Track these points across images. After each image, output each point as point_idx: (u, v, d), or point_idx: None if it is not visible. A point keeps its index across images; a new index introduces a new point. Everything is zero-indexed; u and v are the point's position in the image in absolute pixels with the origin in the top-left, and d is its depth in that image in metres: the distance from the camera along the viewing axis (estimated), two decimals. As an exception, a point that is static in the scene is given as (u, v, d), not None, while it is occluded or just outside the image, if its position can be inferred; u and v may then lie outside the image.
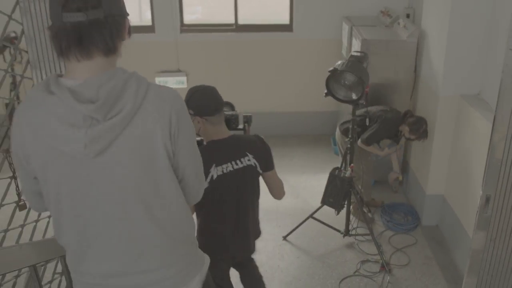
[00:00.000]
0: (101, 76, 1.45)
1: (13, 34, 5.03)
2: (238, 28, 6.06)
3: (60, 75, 1.49)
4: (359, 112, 4.04)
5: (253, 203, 2.74)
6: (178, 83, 6.11)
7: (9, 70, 2.46)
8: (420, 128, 4.21)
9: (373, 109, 4.37)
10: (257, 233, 2.92)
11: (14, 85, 5.51)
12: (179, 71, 6.10)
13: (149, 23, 6.12)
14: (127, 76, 1.49)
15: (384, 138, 4.41)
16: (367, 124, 4.04)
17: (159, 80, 6.02)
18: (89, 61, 1.46)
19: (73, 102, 1.40)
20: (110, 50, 1.49)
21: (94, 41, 1.45)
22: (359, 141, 4.23)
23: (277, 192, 2.86)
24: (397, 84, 4.78)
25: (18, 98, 5.26)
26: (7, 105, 5.34)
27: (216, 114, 2.47)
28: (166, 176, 1.60)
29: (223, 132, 2.55)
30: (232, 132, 2.64)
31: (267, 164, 2.71)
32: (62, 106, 1.42)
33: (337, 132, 4.52)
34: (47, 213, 2.63)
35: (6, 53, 5.52)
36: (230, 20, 6.06)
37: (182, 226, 1.74)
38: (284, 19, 6.06)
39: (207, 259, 1.93)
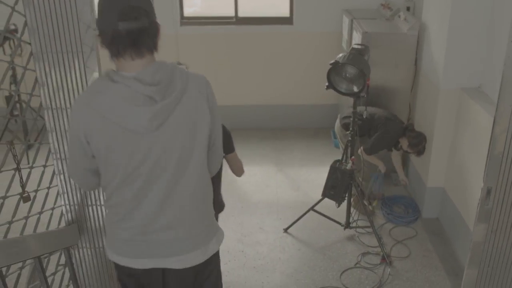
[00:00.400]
0: (151, 67, 1.80)
1: (12, 27, 5.03)
2: (238, 20, 6.05)
3: (115, 70, 1.82)
4: (360, 109, 4.06)
5: (213, 179, 2.92)
6: (178, 76, 6.10)
7: (9, 62, 2.45)
8: (419, 144, 4.25)
9: (377, 112, 4.38)
10: (220, 205, 3.14)
11: (14, 78, 5.51)
12: (179, 64, 6.06)
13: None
14: (171, 66, 1.85)
15: (384, 149, 4.43)
16: (364, 117, 4.04)
17: (159, 73, 6.00)
18: (140, 59, 1.79)
19: (138, 86, 1.75)
20: (155, 48, 1.83)
21: (145, 43, 1.78)
22: (360, 150, 4.29)
23: (237, 171, 3.21)
24: (397, 77, 4.78)
25: (16, 88, 5.28)
26: (7, 97, 5.37)
27: None
28: (203, 144, 1.96)
29: None
30: None
31: (228, 148, 2.96)
32: (127, 91, 1.75)
33: (337, 125, 4.52)
34: (50, 205, 2.65)
35: (5, 46, 5.51)
36: (230, 13, 6.05)
37: (206, 191, 2.08)
38: (284, 12, 6.05)
39: (221, 231, 2.21)
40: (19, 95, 5.38)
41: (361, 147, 4.28)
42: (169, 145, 1.86)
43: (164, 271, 2.07)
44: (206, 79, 1.99)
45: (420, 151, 4.28)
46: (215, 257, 2.19)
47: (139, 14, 1.74)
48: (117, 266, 2.11)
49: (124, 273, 2.11)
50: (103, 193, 2.39)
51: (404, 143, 4.29)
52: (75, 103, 1.89)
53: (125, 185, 1.91)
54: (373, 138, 4.29)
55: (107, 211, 2.08)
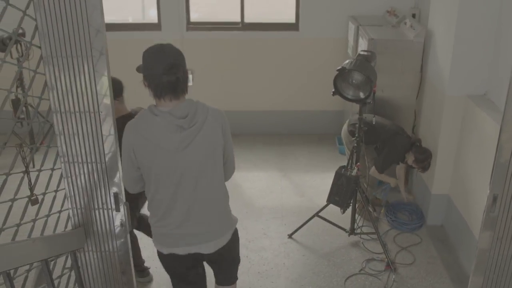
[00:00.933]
0: (182, 104, 2.41)
1: (20, 31, 5.06)
2: (244, 26, 6.07)
3: (155, 106, 2.43)
4: (369, 116, 4.07)
5: (135, 196, 3.30)
6: (183, 81, 6.12)
7: (19, 66, 2.47)
8: (425, 161, 4.28)
9: (387, 124, 4.40)
10: (136, 222, 3.69)
11: (21, 82, 5.54)
12: (184, 69, 6.11)
13: (153, 20, 6.13)
14: (195, 103, 2.46)
15: (393, 163, 4.45)
16: (374, 123, 4.05)
17: (165, 78, 6.01)
18: (176, 100, 2.40)
19: (172, 118, 2.37)
20: (186, 91, 2.45)
21: (180, 89, 2.39)
22: (371, 171, 4.35)
23: None
24: (403, 83, 4.79)
25: (23, 91, 5.30)
26: (13, 101, 5.40)
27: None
28: (219, 160, 2.56)
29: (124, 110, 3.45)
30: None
31: None
32: (164, 122, 2.37)
33: (344, 130, 4.53)
34: (58, 208, 2.66)
35: (12, 49, 5.54)
36: (236, 18, 6.07)
37: (223, 193, 2.66)
38: (290, 18, 6.07)
39: (235, 219, 2.78)
40: (25, 98, 5.40)
41: (373, 167, 4.33)
42: (193, 160, 2.46)
43: (201, 254, 2.67)
44: (222, 112, 2.56)
45: (425, 167, 4.30)
46: (235, 236, 2.79)
47: (177, 69, 2.34)
48: (162, 256, 2.70)
49: (168, 260, 2.70)
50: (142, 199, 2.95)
51: (410, 158, 4.30)
52: (126, 129, 2.47)
53: (162, 191, 2.50)
54: (382, 156, 4.32)
55: (149, 212, 2.66)
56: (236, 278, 2.97)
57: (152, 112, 2.40)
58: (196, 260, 2.74)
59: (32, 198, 2.47)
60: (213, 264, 2.83)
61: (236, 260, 2.92)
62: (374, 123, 4.00)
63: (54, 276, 2.47)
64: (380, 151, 4.42)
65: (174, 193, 2.50)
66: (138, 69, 2.44)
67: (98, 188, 2.53)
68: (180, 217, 2.54)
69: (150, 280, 3.84)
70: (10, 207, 2.33)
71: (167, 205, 2.53)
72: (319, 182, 5.25)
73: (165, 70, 2.30)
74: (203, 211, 2.57)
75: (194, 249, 2.63)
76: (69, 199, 2.57)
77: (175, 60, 2.36)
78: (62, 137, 2.44)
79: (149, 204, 2.61)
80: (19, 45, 5.47)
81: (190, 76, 6.33)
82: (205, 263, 2.85)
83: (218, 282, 2.94)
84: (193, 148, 2.42)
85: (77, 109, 2.38)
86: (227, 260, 2.83)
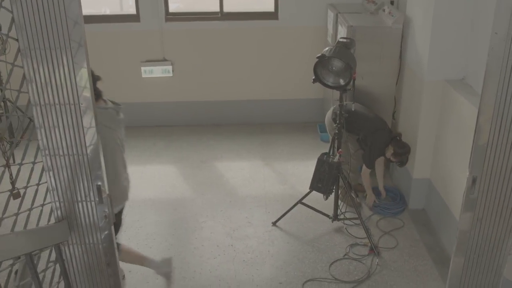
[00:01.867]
0: (108, 100, 3.37)
1: (-5, 24, 4.97)
2: (223, 16, 6.05)
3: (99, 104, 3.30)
4: (349, 104, 4.10)
5: None
6: (164, 72, 6.09)
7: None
8: (403, 156, 4.33)
9: (371, 116, 4.45)
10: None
11: (-2, 76, 5.46)
12: (164, 60, 6.08)
13: (132, 12, 6.07)
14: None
15: (379, 156, 4.49)
16: (353, 110, 4.08)
17: (145, 69, 5.98)
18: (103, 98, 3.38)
19: (116, 107, 3.39)
20: None
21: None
22: (363, 170, 4.46)
23: None
24: (383, 70, 4.83)
25: (0, 85, 5.23)
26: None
27: None
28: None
29: None
30: None
31: None
32: (113, 111, 3.35)
33: (328, 117, 4.55)
34: (40, 202, 2.64)
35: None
36: (215, 8, 6.04)
37: None
38: (269, 7, 6.06)
39: None
40: (1, 90, 5.33)
41: (363, 167, 4.44)
42: (122, 133, 3.47)
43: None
44: None
45: (403, 161, 4.35)
46: None
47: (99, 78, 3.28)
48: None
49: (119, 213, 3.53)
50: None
51: (389, 151, 4.35)
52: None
53: (113, 157, 3.35)
54: (367, 154, 4.39)
55: (117, 177, 3.43)
56: None
57: (102, 108, 3.31)
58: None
59: (14, 192, 2.45)
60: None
61: None
62: (353, 109, 4.03)
63: (38, 270, 2.46)
64: (362, 144, 4.46)
65: (119, 157, 3.43)
66: None
67: (81, 180, 2.51)
68: (125, 174, 3.52)
69: None
70: (-8, 201, 2.31)
71: (117, 167, 3.42)
72: (301, 170, 5.28)
73: (97, 80, 3.18)
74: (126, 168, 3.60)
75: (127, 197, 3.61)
76: (51, 192, 2.55)
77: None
78: (43, 130, 2.41)
79: (113, 169, 3.36)
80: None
81: (169, 67, 6.36)
82: None
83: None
84: (123, 125, 3.47)
85: (56, 101, 2.36)
86: None
